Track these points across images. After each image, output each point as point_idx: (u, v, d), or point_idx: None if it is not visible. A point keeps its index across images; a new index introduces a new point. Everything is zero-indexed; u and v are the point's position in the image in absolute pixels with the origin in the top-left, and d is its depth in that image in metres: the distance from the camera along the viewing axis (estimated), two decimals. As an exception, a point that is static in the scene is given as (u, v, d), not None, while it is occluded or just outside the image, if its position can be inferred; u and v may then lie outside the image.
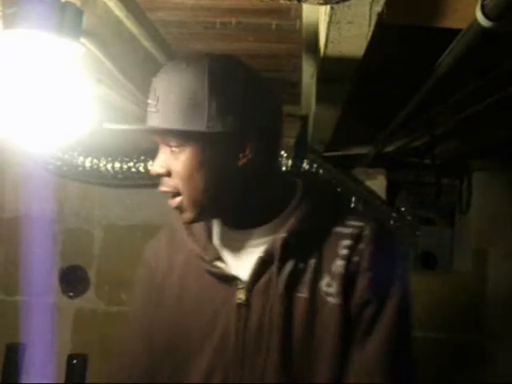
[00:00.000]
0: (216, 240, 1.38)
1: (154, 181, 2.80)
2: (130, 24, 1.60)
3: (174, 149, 1.24)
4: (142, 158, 2.86)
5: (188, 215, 1.28)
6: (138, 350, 1.44)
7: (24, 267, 3.16)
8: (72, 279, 3.17)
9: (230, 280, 1.32)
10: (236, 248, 1.35)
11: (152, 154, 2.61)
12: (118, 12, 1.47)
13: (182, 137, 1.22)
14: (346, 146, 2.94)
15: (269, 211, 1.33)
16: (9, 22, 0.93)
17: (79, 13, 0.99)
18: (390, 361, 1.27)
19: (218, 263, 1.33)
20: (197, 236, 1.38)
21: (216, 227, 1.40)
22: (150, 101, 1.22)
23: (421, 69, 1.60)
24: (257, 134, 1.24)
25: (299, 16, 1.57)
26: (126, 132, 2.13)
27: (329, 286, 1.28)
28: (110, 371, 1.51)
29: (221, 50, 1.88)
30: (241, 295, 1.30)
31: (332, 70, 1.47)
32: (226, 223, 1.37)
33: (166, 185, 1.27)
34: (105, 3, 1.34)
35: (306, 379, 1.27)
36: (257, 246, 1.32)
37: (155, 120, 1.23)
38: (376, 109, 2.30)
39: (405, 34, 1.44)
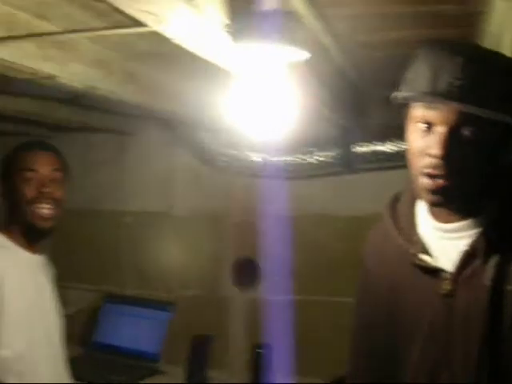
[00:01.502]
0: (421, 231, 1.41)
1: (322, 171, 2.88)
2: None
3: (466, 133, 1.24)
4: (310, 149, 2.93)
5: (442, 199, 1.30)
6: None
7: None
8: (245, 272, 3.27)
9: (435, 271, 1.36)
10: (441, 240, 1.38)
11: (318, 145, 2.66)
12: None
13: (482, 124, 1.23)
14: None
15: (480, 204, 1.35)
16: (238, 36, 1.00)
17: (298, 20, 1.04)
18: None
19: (424, 256, 1.38)
20: (403, 229, 1.43)
21: (420, 218, 1.43)
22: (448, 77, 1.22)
23: None
24: None
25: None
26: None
27: None
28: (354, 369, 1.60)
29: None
30: (447, 286, 1.34)
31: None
32: (437, 215, 1.39)
33: (440, 167, 1.26)
34: None
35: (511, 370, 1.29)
36: (461, 238, 1.34)
37: (459, 98, 1.22)
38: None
39: None
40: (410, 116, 1.33)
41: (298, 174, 3.02)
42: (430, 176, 1.27)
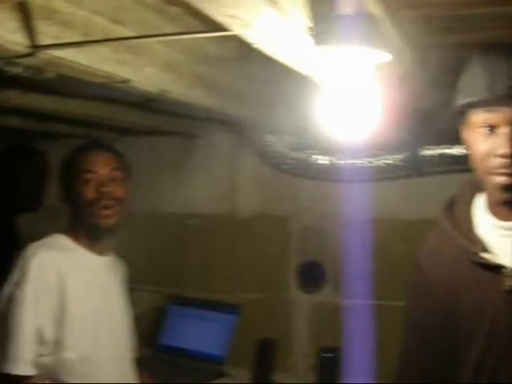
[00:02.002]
0: (479, 231, 1.45)
1: (390, 174, 2.83)
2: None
3: None
4: (378, 152, 2.89)
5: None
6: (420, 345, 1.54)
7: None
8: (310, 275, 3.25)
9: (496, 268, 1.39)
10: (501, 237, 1.41)
11: (386, 148, 2.62)
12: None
13: None
14: None
15: None
16: (320, 39, 0.98)
17: (377, 23, 1.02)
18: None
19: (485, 254, 1.40)
20: (462, 229, 1.46)
21: (478, 218, 1.47)
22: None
23: None
24: None
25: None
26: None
27: None
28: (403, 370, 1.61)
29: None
30: (509, 282, 1.37)
31: None
32: (498, 213, 1.42)
33: (510, 165, 1.31)
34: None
35: None
36: None
37: None
38: None
39: None
40: (470, 122, 1.37)
41: (366, 177, 2.98)
42: (503, 175, 1.31)
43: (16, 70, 1.52)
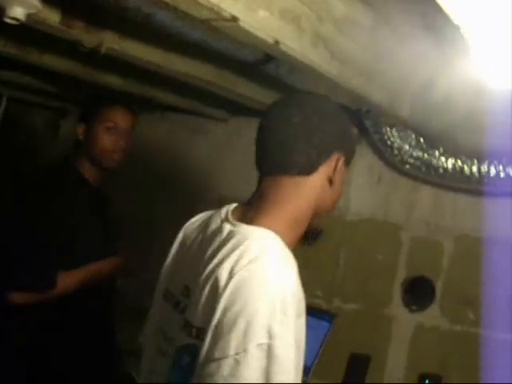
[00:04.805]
0: None
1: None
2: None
3: None
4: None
5: None
6: None
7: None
8: (416, 292, 2.90)
9: None
10: None
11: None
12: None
13: None
14: None
15: None
16: None
17: None
18: None
19: None
20: None
21: None
22: None
23: None
24: None
25: None
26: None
27: None
28: None
29: None
30: None
31: None
32: None
33: None
34: None
35: None
36: None
37: None
38: None
39: None
40: None
41: (494, 188, 2.60)
42: None
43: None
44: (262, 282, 1.14)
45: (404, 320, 2.95)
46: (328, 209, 1.37)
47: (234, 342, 1.09)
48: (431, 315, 2.90)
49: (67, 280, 2.16)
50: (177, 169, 3.60)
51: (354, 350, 2.85)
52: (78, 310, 2.24)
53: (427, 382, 2.32)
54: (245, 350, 1.08)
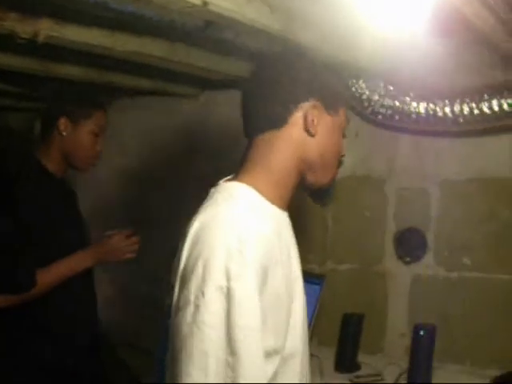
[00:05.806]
0: None
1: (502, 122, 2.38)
2: None
3: None
4: (486, 97, 2.39)
5: None
6: None
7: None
8: (408, 243, 2.84)
9: None
10: None
11: (498, 91, 2.17)
12: None
13: None
14: None
15: None
16: None
17: None
18: None
19: None
20: None
21: None
22: None
23: None
24: None
25: None
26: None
27: None
28: None
29: None
30: None
31: None
32: None
33: None
34: None
35: None
36: None
37: None
38: None
39: None
40: None
41: (470, 127, 2.51)
42: None
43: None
44: (219, 224, 1.13)
45: (400, 273, 2.89)
46: (318, 162, 1.33)
47: (193, 287, 1.08)
48: (426, 265, 2.84)
49: (47, 275, 2.11)
50: (157, 151, 3.54)
51: (353, 310, 2.80)
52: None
53: (422, 333, 2.25)
54: (203, 294, 1.07)
